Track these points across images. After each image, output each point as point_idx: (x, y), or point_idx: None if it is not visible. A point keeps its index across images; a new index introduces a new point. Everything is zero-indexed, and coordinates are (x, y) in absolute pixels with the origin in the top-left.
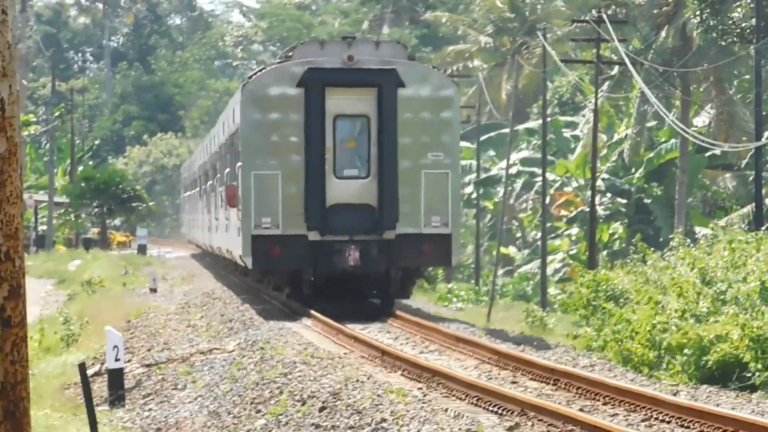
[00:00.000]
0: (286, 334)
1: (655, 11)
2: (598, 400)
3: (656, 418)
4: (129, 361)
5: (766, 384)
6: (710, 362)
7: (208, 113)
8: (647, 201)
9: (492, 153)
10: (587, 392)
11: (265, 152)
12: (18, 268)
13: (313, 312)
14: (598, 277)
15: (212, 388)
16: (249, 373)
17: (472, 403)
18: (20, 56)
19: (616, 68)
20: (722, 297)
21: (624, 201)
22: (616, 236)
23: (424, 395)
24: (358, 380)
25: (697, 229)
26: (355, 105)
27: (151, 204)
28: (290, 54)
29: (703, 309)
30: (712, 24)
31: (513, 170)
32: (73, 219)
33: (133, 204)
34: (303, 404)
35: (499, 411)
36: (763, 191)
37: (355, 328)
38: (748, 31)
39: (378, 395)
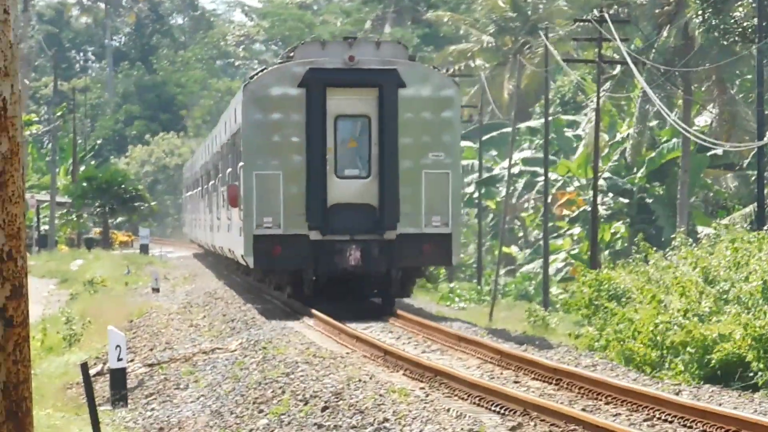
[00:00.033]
0: (288, 333)
1: (657, 11)
2: (601, 400)
3: (659, 418)
4: (131, 360)
5: None
6: (713, 362)
7: (210, 113)
8: (649, 200)
9: (494, 152)
10: (590, 392)
11: (266, 152)
12: (20, 268)
13: (314, 311)
14: (600, 276)
15: (214, 387)
16: (251, 373)
17: (474, 403)
18: (22, 56)
19: (618, 68)
20: (725, 296)
21: (626, 200)
22: (618, 236)
23: (427, 395)
24: (360, 380)
25: (699, 228)
26: (356, 105)
27: (153, 204)
28: (291, 54)
29: (705, 308)
30: (714, 23)
31: (515, 170)
32: (75, 219)
33: (135, 204)
34: (305, 404)
35: (502, 411)
36: (766, 191)
37: (357, 328)
38: (750, 30)
39: (380, 395)
